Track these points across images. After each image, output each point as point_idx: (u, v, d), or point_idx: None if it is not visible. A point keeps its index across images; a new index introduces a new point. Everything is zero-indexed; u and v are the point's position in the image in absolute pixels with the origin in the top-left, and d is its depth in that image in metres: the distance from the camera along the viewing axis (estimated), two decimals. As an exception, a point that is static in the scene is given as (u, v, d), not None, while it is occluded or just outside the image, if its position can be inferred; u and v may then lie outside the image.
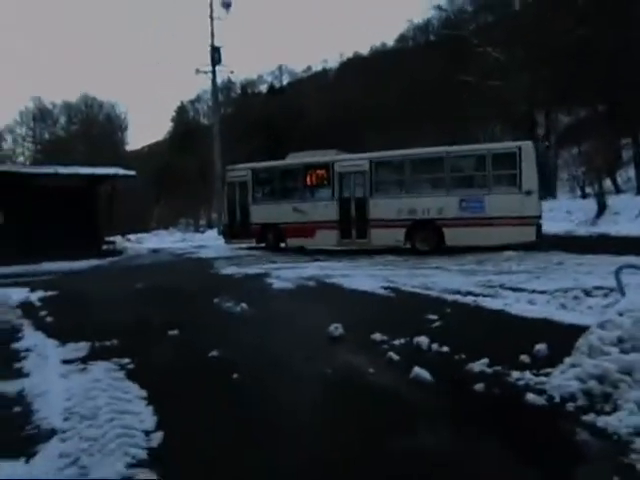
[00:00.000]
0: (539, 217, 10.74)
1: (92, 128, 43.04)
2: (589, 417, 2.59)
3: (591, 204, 18.06)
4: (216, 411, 2.96)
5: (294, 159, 14.28)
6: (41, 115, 45.02)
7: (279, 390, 3.33)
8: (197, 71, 24.92)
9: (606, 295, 5.39)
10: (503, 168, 11.10)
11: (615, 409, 2.60)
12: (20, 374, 3.67)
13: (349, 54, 50.96)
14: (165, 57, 65.99)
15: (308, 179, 13.53)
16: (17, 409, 3.00)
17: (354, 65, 46.20)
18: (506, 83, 19.91)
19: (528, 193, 10.63)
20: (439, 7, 23.28)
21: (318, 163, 13.48)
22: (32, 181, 14.29)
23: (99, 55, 77.64)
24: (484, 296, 6.14)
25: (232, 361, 3.84)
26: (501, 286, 6.78)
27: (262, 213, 14.15)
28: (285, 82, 53.55)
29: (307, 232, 13.14)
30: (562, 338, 3.65)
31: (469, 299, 5.98)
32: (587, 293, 5.83)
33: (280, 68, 52.31)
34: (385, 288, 7.04)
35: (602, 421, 2.52)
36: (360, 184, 12.63)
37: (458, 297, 6.16)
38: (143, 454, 2.39)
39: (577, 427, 2.52)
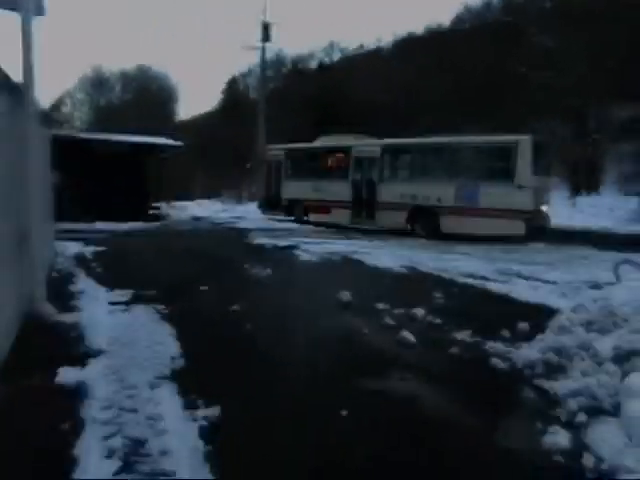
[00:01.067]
0: (530, 212, 10.81)
1: (145, 97, 44.41)
2: (539, 381, 3.04)
3: (635, 202, 17.69)
4: (228, 348, 3.59)
5: (322, 142, 15.54)
6: (99, 82, 46.80)
7: (280, 337, 3.94)
8: (246, 47, 25.41)
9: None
10: (499, 161, 11.34)
11: (563, 377, 3.04)
12: (75, 309, 4.41)
13: (403, 33, 50.15)
14: (219, 30, 66.73)
15: (329, 161, 14.92)
16: (73, 334, 3.71)
17: (407, 45, 45.56)
18: (557, 74, 19.43)
19: (520, 187, 10.76)
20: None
21: (339, 147, 14.72)
22: (87, 146, 15.33)
23: (157, 27, 79.10)
24: (495, 281, 6.49)
25: (248, 314, 4.47)
26: (517, 274, 7.09)
27: (291, 189, 15.80)
28: (336, 59, 53.38)
29: (325, 209, 14.62)
30: (547, 320, 4.04)
31: (479, 282, 6.36)
32: (595, 286, 6.10)
33: (331, 45, 52.04)
34: (404, 267, 7.49)
35: (548, 385, 2.96)
36: (372, 168, 13.54)
37: (470, 280, 6.55)
38: (167, 371, 3.04)
39: (525, 387, 2.98)
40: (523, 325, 4.08)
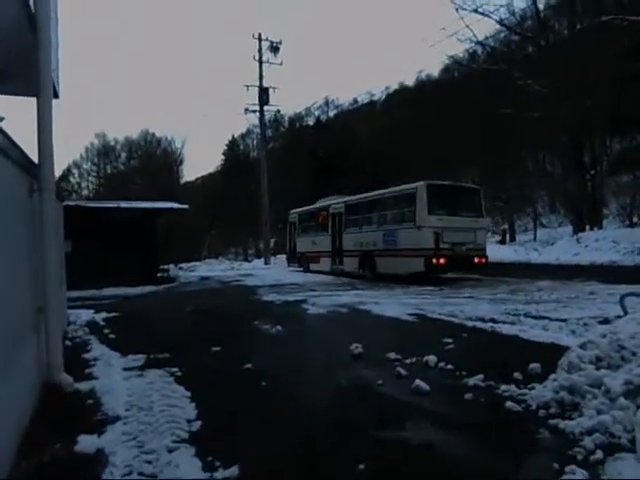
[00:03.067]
0: (428, 250, 11.96)
1: (150, 162, 45.81)
2: (554, 421, 3.05)
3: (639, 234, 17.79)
4: (245, 408, 3.61)
5: (318, 204, 18.52)
6: (104, 151, 48.48)
7: (298, 393, 3.96)
8: (246, 111, 26.54)
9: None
10: (407, 206, 12.81)
11: (577, 415, 3.05)
12: (90, 377, 4.46)
13: (395, 86, 52.08)
14: (219, 94, 69.60)
15: (319, 219, 17.72)
16: (90, 402, 3.76)
17: (400, 96, 47.25)
18: (548, 113, 20.05)
19: (419, 228, 12.15)
20: (480, 43, 23.73)
21: (323, 207, 17.67)
22: (97, 214, 15.75)
23: (159, 94, 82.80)
24: (504, 323, 6.52)
25: (263, 372, 4.50)
26: (525, 314, 7.12)
27: (300, 244, 19.29)
28: (332, 114, 55.23)
29: (317, 259, 17.53)
30: (558, 358, 4.06)
31: (488, 325, 6.38)
32: (606, 321, 6.10)
33: (327, 102, 53.98)
34: (411, 315, 7.53)
35: (563, 424, 2.97)
36: (340, 223, 16.10)
37: (478, 324, 6.57)
38: (185, 435, 3.07)
39: (541, 428, 2.98)
40: (535, 365, 4.09)
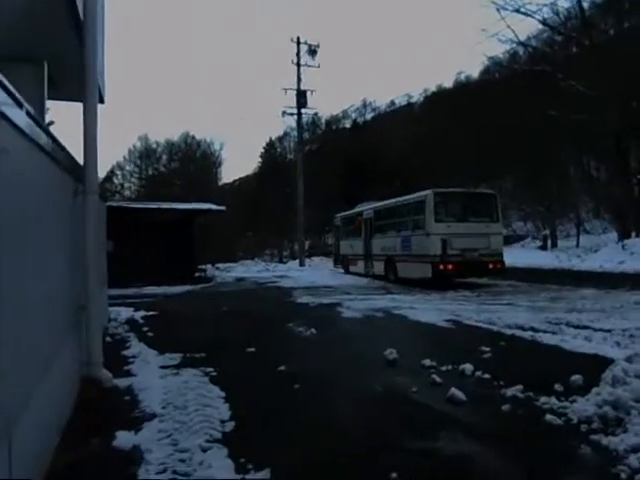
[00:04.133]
0: (433, 256, 12.28)
1: (190, 165, 46.73)
2: (596, 436, 2.92)
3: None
4: (278, 410, 3.62)
5: (356, 209, 18.99)
6: (146, 153, 49.66)
7: (330, 397, 3.93)
8: (284, 113, 26.77)
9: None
10: (418, 214, 13.18)
11: (621, 431, 2.91)
12: (129, 374, 4.59)
13: (433, 87, 51.50)
14: (258, 97, 70.54)
15: (356, 223, 18.31)
16: (127, 398, 3.86)
17: (438, 99, 46.63)
18: (592, 116, 19.34)
19: (427, 235, 12.51)
20: (522, 43, 23.12)
21: (359, 212, 18.31)
22: (138, 214, 16.21)
23: (200, 97, 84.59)
24: (545, 332, 6.31)
25: (296, 374, 4.51)
26: (567, 324, 6.87)
27: (342, 247, 20.21)
28: (369, 117, 55.04)
29: (355, 262, 18.22)
30: (601, 371, 3.89)
31: (527, 334, 6.19)
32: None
33: (364, 104, 53.87)
34: (448, 321, 7.39)
35: (606, 440, 2.84)
36: (370, 228, 16.69)
37: (517, 332, 6.39)
38: (218, 435, 3.10)
39: (582, 443, 2.86)
40: (576, 378, 3.94)
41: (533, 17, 21.51)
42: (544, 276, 15.00)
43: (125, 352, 5.61)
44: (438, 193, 12.79)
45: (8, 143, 2.02)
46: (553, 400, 3.55)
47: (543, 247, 26.56)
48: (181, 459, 2.75)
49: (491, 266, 12.71)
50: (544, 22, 22.48)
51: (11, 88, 2.03)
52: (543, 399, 3.59)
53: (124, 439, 3.00)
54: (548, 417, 3.23)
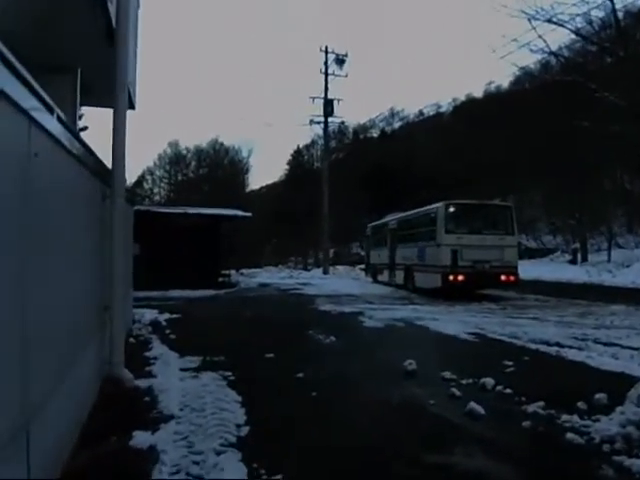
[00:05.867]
0: (443, 267, 12.45)
1: (218, 171, 47.43)
2: (619, 457, 2.82)
3: None
4: (294, 417, 3.62)
5: (386, 219, 19.17)
6: (176, 159, 50.68)
7: (347, 407, 3.92)
8: (311, 122, 26.98)
9: None
10: (431, 225, 13.41)
11: (647, 453, 2.81)
12: (149, 375, 4.66)
13: (462, 97, 51.06)
14: (286, 105, 71.27)
15: (382, 233, 18.87)
16: (147, 399, 3.92)
17: (468, 108, 46.20)
18: (626, 128, 18.85)
19: (438, 246, 12.68)
20: (554, 53, 22.72)
21: (385, 222, 18.72)
22: (165, 219, 16.51)
23: (229, 104, 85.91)
24: (570, 348, 6.16)
25: (314, 382, 4.51)
26: (594, 340, 6.69)
27: (371, 256, 20.56)
28: (397, 126, 54.88)
29: (381, 271, 18.43)
30: (627, 390, 3.77)
31: (553, 350, 6.05)
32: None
33: (392, 113, 53.78)
34: (470, 334, 7.28)
35: (629, 462, 2.74)
36: (393, 238, 17.03)
37: (542, 347, 6.24)
38: (233, 439, 3.12)
39: (604, 464, 2.77)
40: (601, 396, 3.82)
41: (565, 27, 21.10)
42: (573, 291, 14.63)
43: (147, 353, 5.70)
44: (450, 205, 13.04)
45: (38, 148, 2.10)
46: (575, 418, 3.45)
47: (573, 261, 25.93)
48: (195, 461, 2.77)
49: (504, 278, 12.74)
50: (577, 32, 22.01)
51: (43, 94, 2.11)
52: (565, 417, 3.49)
53: (141, 439, 3.04)
54: (569, 435, 3.14)
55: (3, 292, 1.67)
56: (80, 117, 6.11)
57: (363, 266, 23.64)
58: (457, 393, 4.16)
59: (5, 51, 1.61)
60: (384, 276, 17.92)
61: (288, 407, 3.87)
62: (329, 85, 26.64)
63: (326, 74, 26.53)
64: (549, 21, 20.51)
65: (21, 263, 1.88)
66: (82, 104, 5.98)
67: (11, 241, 1.77)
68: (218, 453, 2.88)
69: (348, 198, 35.32)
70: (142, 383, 4.30)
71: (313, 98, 26.75)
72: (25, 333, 1.93)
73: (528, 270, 18.59)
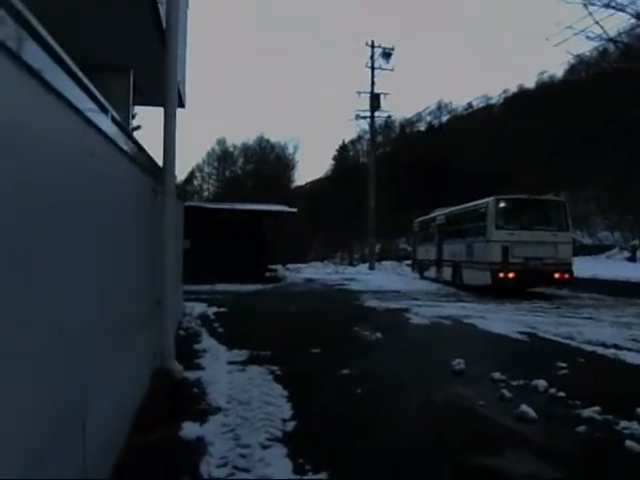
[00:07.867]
0: (494, 263, 12.10)
1: (264, 167, 48.05)
2: (685, 470, 2.65)
3: None
4: (339, 413, 3.62)
5: (433, 214, 18.68)
6: (224, 156, 51.73)
7: (392, 405, 3.88)
8: (357, 117, 26.86)
9: None
10: (480, 220, 13.09)
11: None
12: (198, 367, 4.78)
13: (513, 89, 49.38)
14: (332, 100, 71.18)
15: (429, 229, 18.52)
16: (195, 390, 4.03)
17: (519, 100, 44.61)
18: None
19: (488, 242, 12.39)
20: (612, 40, 21.51)
21: (433, 217, 18.26)
22: (214, 214, 16.89)
23: (276, 101, 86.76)
24: (629, 350, 5.86)
25: (359, 379, 4.49)
26: (656, 343, 6.35)
27: (417, 252, 20.33)
28: (444, 119, 53.75)
29: (428, 267, 18.17)
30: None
31: (610, 352, 5.78)
32: None
33: (439, 106, 52.73)
34: (521, 333, 7.05)
35: (697, 474, 2.58)
36: (441, 233, 16.69)
37: (599, 349, 5.97)
38: (279, 434, 3.15)
39: (668, 477, 2.61)
40: (664, 403, 3.60)
41: (625, 12, 19.91)
42: (632, 290, 13.89)
43: (196, 346, 5.85)
44: (500, 199, 12.77)
45: (93, 147, 2.17)
46: (635, 425, 3.27)
47: (631, 258, 24.63)
48: (241, 454, 2.81)
49: (557, 276, 12.27)
50: (638, 16, 20.75)
51: (97, 95, 2.18)
52: (624, 423, 3.32)
53: (190, 430, 3.12)
54: (628, 443, 2.97)
55: (88, 288, 1.76)
56: (133, 116, 6.33)
57: (410, 262, 23.48)
58: (507, 395, 4.03)
59: (65, 57, 1.67)
60: (431, 272, 17.64)
61: (333, 403, 3.87)
62: (375, 79, 26.41)
63: (372, 68, 26.30)
64: (607, 6, 19.43)
65: (92, 257, 1.98)
66: (135, 103, 6.18)
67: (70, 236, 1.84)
68: (264, 447, 2.91)
69: (395, 193, 34.96)
70: (191, 375, 4.41)
71: (359, 92, 26.62)
72: (91, 326, 2.03)
73: (583, 267, 17.78)
